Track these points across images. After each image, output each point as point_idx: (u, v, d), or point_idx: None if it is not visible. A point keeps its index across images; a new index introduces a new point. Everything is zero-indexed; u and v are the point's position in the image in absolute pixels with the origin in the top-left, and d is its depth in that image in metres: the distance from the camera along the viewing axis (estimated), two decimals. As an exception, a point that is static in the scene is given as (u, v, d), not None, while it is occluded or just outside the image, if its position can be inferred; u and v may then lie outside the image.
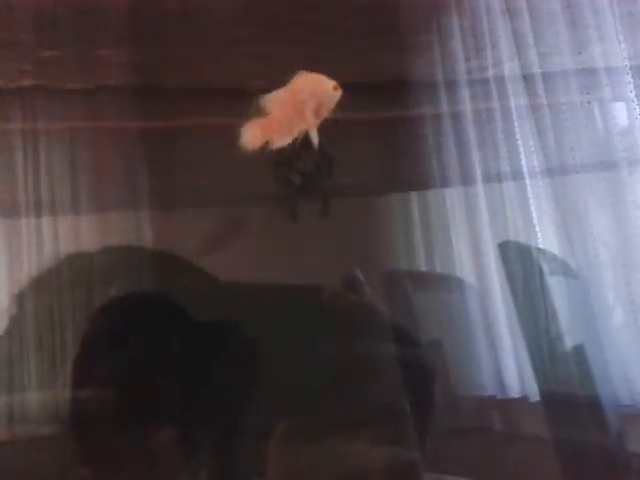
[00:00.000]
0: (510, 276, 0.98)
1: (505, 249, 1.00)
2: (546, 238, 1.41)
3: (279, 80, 1.43)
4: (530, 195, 1.40)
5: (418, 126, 1.55)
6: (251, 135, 1.14)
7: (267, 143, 1.15)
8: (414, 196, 1.62)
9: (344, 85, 1.61)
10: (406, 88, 1.51)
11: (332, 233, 1.53)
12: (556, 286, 1.07)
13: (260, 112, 1.14)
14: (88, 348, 0.84)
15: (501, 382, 1.50)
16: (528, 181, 1.41)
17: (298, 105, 1.17)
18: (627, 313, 1.29)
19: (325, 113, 1.19)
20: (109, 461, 0.88)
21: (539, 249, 1.22)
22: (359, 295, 0.70)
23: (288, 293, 0.78)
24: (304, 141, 1.58)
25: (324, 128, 1.63)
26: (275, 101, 1.14)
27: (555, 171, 1.37)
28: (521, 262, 0.98)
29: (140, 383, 0.90)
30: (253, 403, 0.92)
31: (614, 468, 1.10)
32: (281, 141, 1.19)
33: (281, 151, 1.53)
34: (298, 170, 1.49)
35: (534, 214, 1.40)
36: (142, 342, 0.88)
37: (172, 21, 1.24)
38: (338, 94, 1.11)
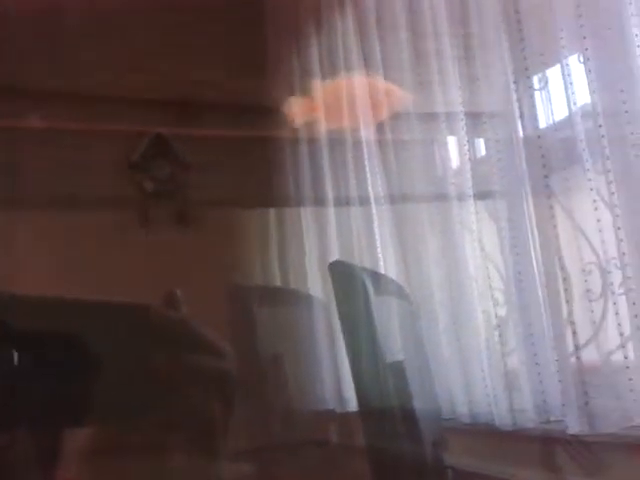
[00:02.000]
0: (338, 295, 1.04)
1: (334, 269, 1.06)
2: (387, 260, 1.51)
3: (126, 87, 1.42)
4: (374, 219, 1.50)
5: (277, 148, 1.61)
6: (294, 111, 1.22)
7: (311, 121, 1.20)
8: (271, 213, 1.67)
9: (209, 103, 1.64)
10: (267, 111, 1.56)
11: (186, 243, 1.53)
12: (382, 305, 1.14)
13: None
14: None
15: (341, 396, 1.57)
16: (374, 207, 1.50)
17: (350, 98, 1.23)
18: (451, 332, 1.41)
19: (381, 115, 1.25)
20: None
21: (367, 269, 1.30)
22: (177, 312, 0.72)
23: (112, 309, 0.78)
24: (160, 147, 1.58)
25: (187, 139, 1.64)
26: (324, 88, 1.20)
27: (397, 199, 1.48)
28: (348, 282, 1.05)
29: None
30: (81, 418, 0.90)
31: (429, 478, 1.18)
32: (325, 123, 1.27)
33: (135, 155, 1.53)
34: (152, 176, 1.49)
35: (377, 237, 1.50)
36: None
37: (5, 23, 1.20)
38: (397, 100, 1.15)
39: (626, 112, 1.11)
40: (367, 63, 1.46)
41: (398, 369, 1.06)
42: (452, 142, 1.44)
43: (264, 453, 1.47)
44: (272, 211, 1.66)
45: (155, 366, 0.80)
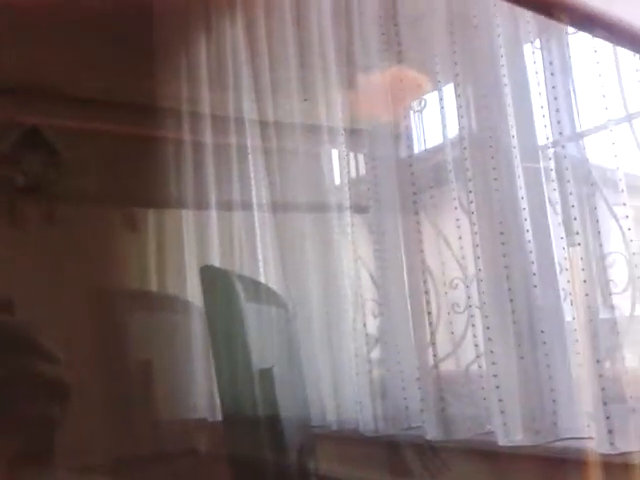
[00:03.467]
0: (207, 300, 1.02)
1: (205, 273, 1.05)
2: (268, 267, 1.51)
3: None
4: (257, 226, 1.50)
5: (160, 148, 1.58)
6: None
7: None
8: (150, 215, 1.62)
9: (92, 100, 1.58)
10: (153, 111, 1.53)
11: (55, 242, 1.46)
12: (255, 312, 1.15)
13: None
14: None
15: (213, 404, 1.54)
16: (256, 214, 1.50)
17: (392, 92, 1.26)
18: (325, 340, 1.43)
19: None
20: None
21: (241, 275, 1.30)
22: (8, 315, 0.69)
23: None
24: (34, 139, 1.50)
25: (66, 134, 1.57)
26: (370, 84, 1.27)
27: (279, 208, 1.49)
28: (218, 287, 1.04)
29: None
30: None
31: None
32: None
33: (4, 146, 1.44)
34: (22, 170, 1.40)
35: (259, 243, 1.50)
36: None
37: None
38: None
39: (490, 137, 1.20)
40: (255, 70, 1.47)
41: (267, 376, 1.06)
42: (335, 155, 1.48)
43: (129, 464, 1.42)
44: (151, 213, 1.62)
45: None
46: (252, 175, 1.52)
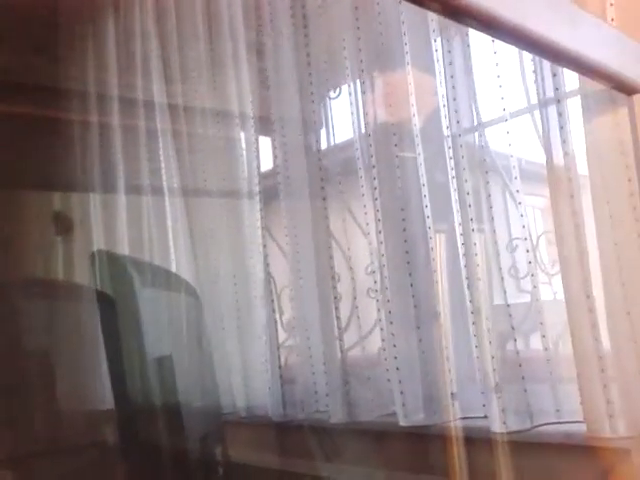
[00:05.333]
0: (98, 286, 0.99)
1: (96, 259, 1.01)
2: (179, 253, 1.49)
3: None
4: (168, 212, 1.47)
5: (66, 130, 1.52)
6: None
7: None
8: (55, 198, 1.56)
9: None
10: (58, 92, 1.47)
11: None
12: (155, 299, 1.12)
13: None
14: None
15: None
16: (167, 198, 1.47)
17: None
18: (236, 327, 1.42)
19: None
20: None
21: (137, 261, 1.27)
22: None
23: None
24: None
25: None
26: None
27: (190, 193, 1.47)
28: (113, 273, 1.01)
29: None
30: None
31: (196, 473, 1.18)
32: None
33: None
34: None
35: (170, 229, 1.47)
36: None
37: None
38: None
39: (392, 124, 1.21)
40: (164, 51, 1.44)
41: (165, 364, 1.04)
42: (245, 141, 1.47)
43: (31, 458, 1.38)
44: (56, 196, 1.56)
45: None
46: (162, 159, 1.49)
